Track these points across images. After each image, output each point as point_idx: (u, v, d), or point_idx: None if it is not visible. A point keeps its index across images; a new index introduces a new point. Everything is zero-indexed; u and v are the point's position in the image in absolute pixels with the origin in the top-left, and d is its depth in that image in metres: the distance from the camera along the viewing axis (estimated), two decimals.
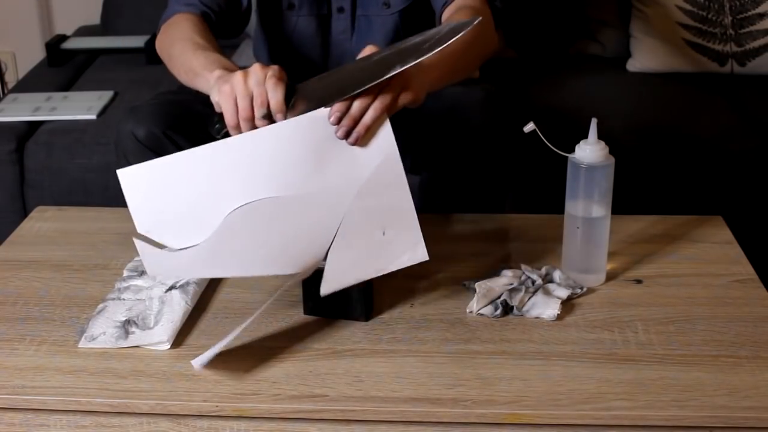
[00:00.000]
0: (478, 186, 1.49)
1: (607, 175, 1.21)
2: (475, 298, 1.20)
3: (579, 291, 1.24)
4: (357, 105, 1.12)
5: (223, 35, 1.51)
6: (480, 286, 1.21)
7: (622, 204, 1.36)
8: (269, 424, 1.04)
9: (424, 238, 1.15)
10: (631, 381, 1.06)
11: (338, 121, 1.12)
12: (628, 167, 1.76)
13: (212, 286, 1.26)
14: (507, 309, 1.19)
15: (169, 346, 1.12)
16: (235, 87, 1.15)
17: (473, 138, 1.46)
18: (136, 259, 1.31)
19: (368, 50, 1.18)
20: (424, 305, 1.22)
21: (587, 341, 1.14)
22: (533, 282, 1.24)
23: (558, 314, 1.18)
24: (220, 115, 1.18)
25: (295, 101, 1.15)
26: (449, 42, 1.13)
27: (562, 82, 2.31)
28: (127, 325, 1.15)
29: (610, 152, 1.21)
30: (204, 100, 1.28)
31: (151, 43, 2.19)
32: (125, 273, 1.28)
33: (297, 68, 1.67)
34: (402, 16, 1.62)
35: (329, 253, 1.14)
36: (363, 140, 1.13)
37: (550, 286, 1.24)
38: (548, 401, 1.02)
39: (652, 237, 1.39)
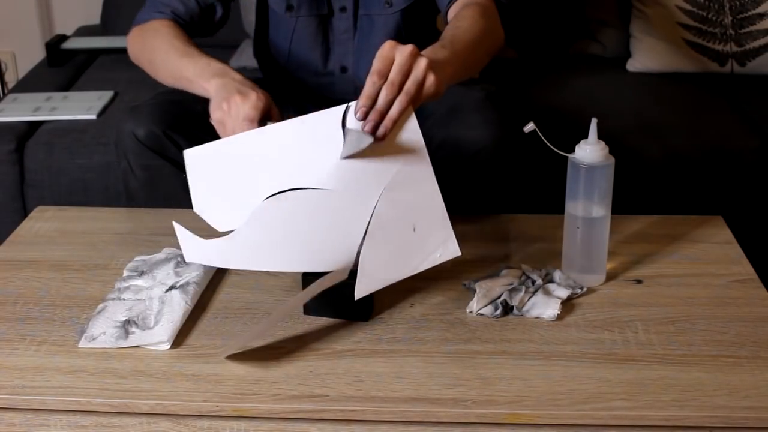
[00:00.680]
0: (479, 186, 1.49)
1: (607, 175, 1.21)
2: (475, 298, 1.20)
3: (579, 291, 1.24)
4: (383, 99, 1.10)
5: (194, 36, 1.51)
6: (480, 286, 1.21)
7: (622, 204, 1.36)
8: (269, 424, 1.04)
9: None
10: (631, 381, 1.06)
11: (364, 117, 1.10)
12: (628, 167, 1.76)
13: (212, 286, 1.26)
14: (507, 309, 1.19)
15: (169, 346, 1.12)
16: (224, 123, 1.22)
17: (473, 138, 1.46)
18: (136, 259, 1.31)
19: (388, 46, 1.13)
20: (424, 305, 1.22)
21: (587, 341, 1.14)
22: (533, 282, 1.24)
23: (558, 314, 1.18)
24: None
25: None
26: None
27: (562, 82, 2.31)
28: (127, 325, 1.15)
29: (610, 152, 1.21)
30: (204, 100, 1.29)
31: None
32: (125, 273, 1.28)
33: (297, 68, 1.68)
34: (404, 15, 1.62)
35: (361, 253, 1.12)
36: (390, 134, 1.11)
37: (550, 286, 1.24)
38: (548, 401, 1.02)
39: (652, 237, 1.39)
